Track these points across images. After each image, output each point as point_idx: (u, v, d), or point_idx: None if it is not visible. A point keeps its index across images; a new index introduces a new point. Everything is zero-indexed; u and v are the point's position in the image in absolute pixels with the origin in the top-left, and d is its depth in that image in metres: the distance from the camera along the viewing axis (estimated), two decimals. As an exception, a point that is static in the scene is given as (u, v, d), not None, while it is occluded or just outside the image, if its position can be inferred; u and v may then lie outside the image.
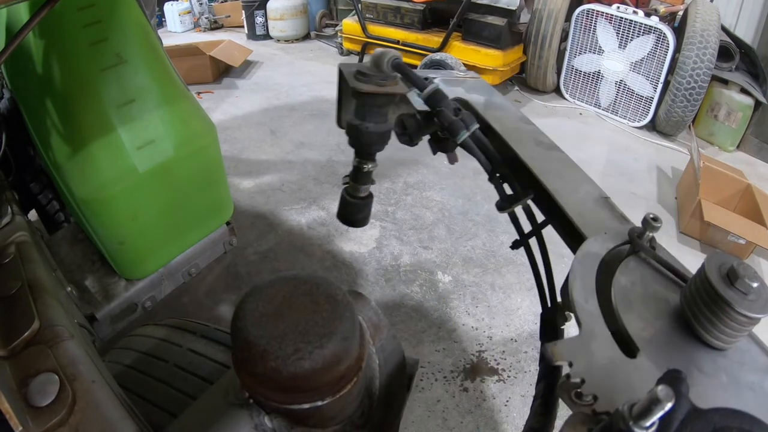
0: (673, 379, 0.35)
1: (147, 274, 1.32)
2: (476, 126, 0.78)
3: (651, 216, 0.59)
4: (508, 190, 0.85)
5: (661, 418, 0.34)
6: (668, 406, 0.33)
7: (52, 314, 0.65)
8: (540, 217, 0.87)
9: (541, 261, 0.87)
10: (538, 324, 0.87)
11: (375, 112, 0.82)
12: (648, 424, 0.34)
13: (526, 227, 0.89)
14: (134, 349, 0.93)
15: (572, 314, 0.79)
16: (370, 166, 0.89)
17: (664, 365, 0.45)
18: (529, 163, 0.83)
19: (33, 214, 1.53)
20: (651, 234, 0.60)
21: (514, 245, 0.93)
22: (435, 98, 0.79)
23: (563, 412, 0.51)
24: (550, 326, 0.84)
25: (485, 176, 0.83)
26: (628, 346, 0.48)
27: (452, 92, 1.00)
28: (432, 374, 1.62)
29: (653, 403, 0.33)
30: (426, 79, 0.88)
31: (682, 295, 0.52)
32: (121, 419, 0.54)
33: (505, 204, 0.86)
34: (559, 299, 0.82)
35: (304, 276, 0.54)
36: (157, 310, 1.43)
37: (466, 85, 1.07)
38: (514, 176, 0.84)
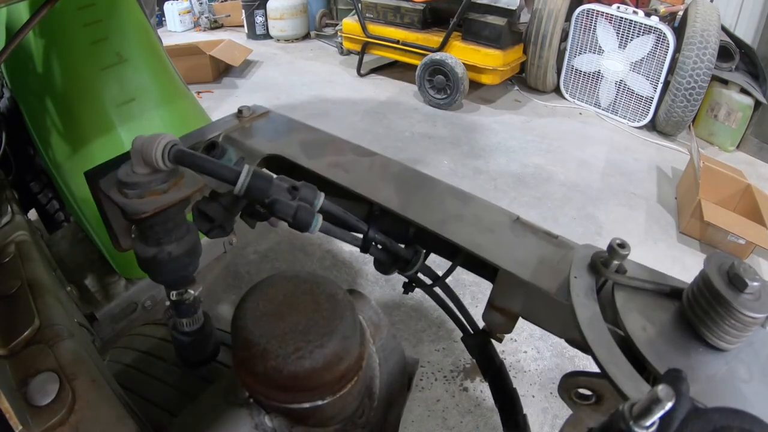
0: (674, 378, 0.35)
1: (147, 273, 1.32)
2: (321, 198, 0.61)
3: (617, 242, 0.53)
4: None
5: (661, 418, 0.34)
6: (668, 405, 0.32)
7: (52, 313, 0.65)
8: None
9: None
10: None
11: (170, 228, 0.57)
12: (648, 423, 0.34)
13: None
14: (134, 348, 0.93)
15: (503, 336, 0.74)
16: (193, 291, 0.64)
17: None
18: (410, 215, 0.68)
19: (33, 214, 1.53)
20: (618, 262, 0.55)
21: (406, 289, 0.84)
22: (257, 188, 0.55)
23: (564, 411, 0.51)
24: (480, 347, 0.80)
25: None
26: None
27: (255, 151, 0.76)
28: (432, 374, 1.62)
29: (653, 402, 0.33)
30: (211, 145, 0.68)
31: (684, 299, 0.52)
32: (121, 418, 0.54)
33: (390, 269, 0.74)
34: (480, 324, 0.77)
35: (305, 275, 0.54)
36: (157, 309, 1.43)
37: (262, 129, 0.82)
38: (393, 233, 0.71)
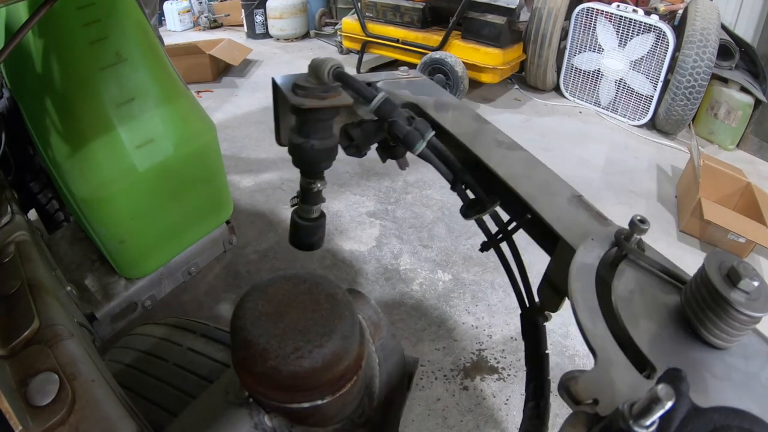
0: (674, 377, 0.35)
1: (147, 273, 1.32)
2: (432, 133, 0.75)
3: (638, 218, 0.57)
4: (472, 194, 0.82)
5: (661, 417, 0.34)
6: (668, 405, 0.32)
7: (52, 313, 0.65)
8: (507, 219, 0.84)
9: (513, 262, 0.85)
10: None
11: (319, 127, 0.75)
12: (648, 423, 0.34)
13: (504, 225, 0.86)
14: (134, 348, 0.93)
15: (551, 315, 0.79)
16: (319, 185, 0.84)
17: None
18: (493, 166, 0.79)
19: (33, 214, 1.53)
20: (638, 236, 0.58)
21: (483, 247, 0.90)
22: (385, 109, 0.74)
23: (564, 411, 0.51)
24: (532, 325, 0.83)
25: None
26: (643, 364, 0.47)
27: (399, 96, 0.95)
28: (432, 373, 1.62)
29: (653, 402, 0.33)
30: (369, 84, 0.84)
31: (683, 295, 0.52)
32: (121, 418, 0.54)
33: (469, 212, 0.84)
34: (536, 299, 0.81)
35: (304, 275, 0.54)
36: (157, 309, 1.43)
37: (413, 86, 1.00)
38: (478, 181, 0.80)
